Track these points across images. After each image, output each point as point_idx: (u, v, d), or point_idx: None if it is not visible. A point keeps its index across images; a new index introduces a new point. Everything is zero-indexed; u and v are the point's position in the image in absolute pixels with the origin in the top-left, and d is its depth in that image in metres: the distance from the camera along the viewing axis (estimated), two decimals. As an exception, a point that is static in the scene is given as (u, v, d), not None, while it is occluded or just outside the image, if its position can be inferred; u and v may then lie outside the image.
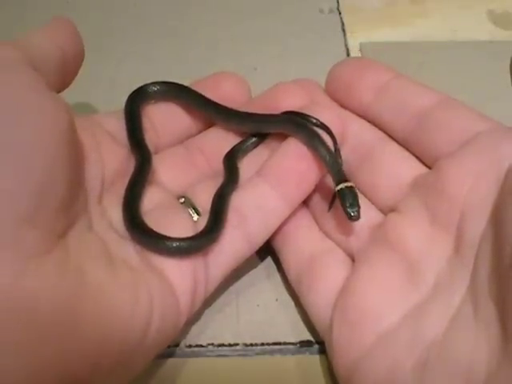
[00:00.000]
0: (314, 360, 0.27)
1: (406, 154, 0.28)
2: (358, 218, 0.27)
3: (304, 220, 0.30)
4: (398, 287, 0.25)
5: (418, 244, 0.25)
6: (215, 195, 0.28)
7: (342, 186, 0.27)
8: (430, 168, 0.27)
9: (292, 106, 0.30)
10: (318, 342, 0.28)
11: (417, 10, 0.44)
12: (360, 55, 0.40)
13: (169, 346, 0.28)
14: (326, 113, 0.29)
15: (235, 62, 0.34)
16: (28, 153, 0.21)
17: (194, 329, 0.28)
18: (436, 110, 0.27)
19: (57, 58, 0.25)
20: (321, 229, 0.29)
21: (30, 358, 0.20)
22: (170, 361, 0.28)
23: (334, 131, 0.29)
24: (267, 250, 0.30)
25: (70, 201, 0.23)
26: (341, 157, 0.29)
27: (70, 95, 0.36)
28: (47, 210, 0.21)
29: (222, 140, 0.31)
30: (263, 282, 0.30)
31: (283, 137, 0.30)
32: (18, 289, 0.20)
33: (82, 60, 0.27)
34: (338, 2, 0.44)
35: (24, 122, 0.21)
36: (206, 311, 0.29)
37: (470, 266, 0.23)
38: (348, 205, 0.27)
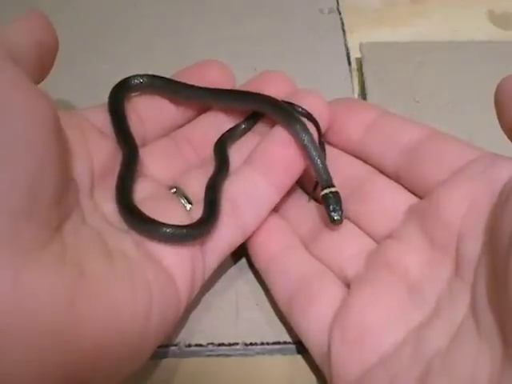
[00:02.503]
0: (314, 359, 0.27)
1: (397, 185, 0.29)
2: (340, 221, 0.28)
3: (291, 242, 0.30)
4: (398, 306, 0.25)
5: (418, 266, 0.25)
6: (208, 185, 0.28)
7: (327, 191, 0.28)
8: (420, 198, 0.28)
9: (277, 93, 0.31)
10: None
11: (417, 10, 0.45)
12: (360, 55, 0.40)
13: (168, 346, 0.28)
14: (312, 99, 0.30)
15: (235, 62, 0.34)
16: (17, 150, 0.21)
17: (194, 328, 0.28)
18: (425, 143, 0.28)
19: (34, 51, 0.25)
20: (311, 252, 0.29)
21: (32, 357, 0.20)
22: (170, 360, 0.28)
23: (321, 119, 0.30)
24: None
25: (62, 195, 0.23)
26: (324, 150, 0.30)
27: (70, 95, 0.36)
28: (40, 204, 0.21)
29: (208, 129, 0.32)
30: (263, 281, 0.30)
31: (272, 123, 0.30)
32: (18, 284, 0.20)
33: (57, 52, 0.27)
34: (337, 2, 0.43)
35: (12, 120, 0.21)
36: (206, 310, 0.29)
37: (469, 284, 0.23)
38: (331, 209, 0.28)
